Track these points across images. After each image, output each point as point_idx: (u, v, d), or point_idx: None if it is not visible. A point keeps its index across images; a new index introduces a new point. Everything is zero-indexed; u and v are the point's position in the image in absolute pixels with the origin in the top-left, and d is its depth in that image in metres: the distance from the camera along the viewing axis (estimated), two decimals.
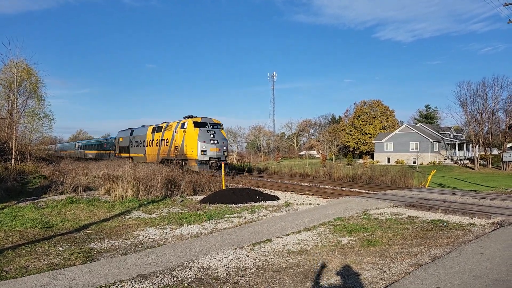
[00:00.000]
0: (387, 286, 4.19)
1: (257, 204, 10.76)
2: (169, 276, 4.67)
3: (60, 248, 6.21)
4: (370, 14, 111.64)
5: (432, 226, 7.50)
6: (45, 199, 11.63)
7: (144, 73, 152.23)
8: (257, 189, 13.45)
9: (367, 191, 13.67)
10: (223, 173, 13.47)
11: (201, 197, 11.74)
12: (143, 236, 7.09)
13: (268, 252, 5.82)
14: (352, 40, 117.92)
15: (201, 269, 4.98)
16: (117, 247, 6.34)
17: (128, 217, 8.99)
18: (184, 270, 4.91)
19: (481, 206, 9.99)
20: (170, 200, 11.45)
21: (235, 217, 8.84)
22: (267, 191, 13.14)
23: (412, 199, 11.43)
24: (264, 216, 8.93)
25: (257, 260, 5.38)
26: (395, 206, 10.01)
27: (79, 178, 14.76)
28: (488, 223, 7.74)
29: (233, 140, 51.78)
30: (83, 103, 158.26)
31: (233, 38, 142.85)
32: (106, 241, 6.75)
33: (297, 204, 10.64)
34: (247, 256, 5.60)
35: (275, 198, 11.67)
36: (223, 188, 12.96)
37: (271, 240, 6.53)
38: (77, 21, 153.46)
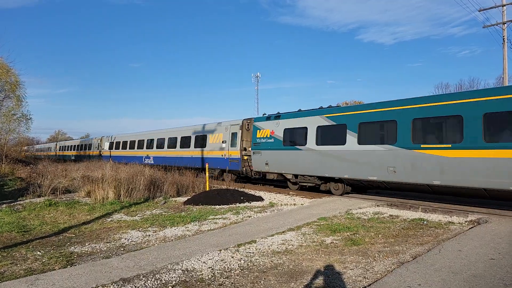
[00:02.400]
0: (370, 284, 4.26)
1: (242, 205, 10.73)
2: (153, 279, 4.59)
3: (38, 253, 6.02)
4: (353, 16, 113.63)
5: (413, 225, 7.68)
6: (22, 202, 11.24)
7: (127, 72, 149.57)
8: (242, 190, 13.41)
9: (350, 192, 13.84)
10: (206, 174, 13.38)
11: (185, 199, 11.62)
12: (125, 239, 6.95)
13: (253, 253, 5.82)
14: (336, 42, 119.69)
15: (186, 272, 4.92)
16: (98, 250, 6.20)
17: (109, 219, 8.80)
18: (168, 273, 4.84)
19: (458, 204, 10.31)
20: (153, 202, 11.28)
21: (219, 218, 8.79)
22: (252, 192, 13.14)
23: (393, 197, 11.67)
24: (249, 217, 8.92)
25: (242, 261, 5.36)
26: (377, 206, 10.19)
27: (58, 180, 14.35)
28: (465, 221, 7.99)
29: None
30: (62, 103, 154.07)
31: (218, 37, 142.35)
32: (86, 244, 6.58)
33: (281, 205, 10.68)
34: (232, 257, 5.57)
35: (260, 198, 11.68)
36: (207, 189, 12.87)
37: (256, 241, 6.53)
38: (55, 19, 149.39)
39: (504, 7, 20.80)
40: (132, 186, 11.66)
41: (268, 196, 12.59)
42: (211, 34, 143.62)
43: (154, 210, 9.98)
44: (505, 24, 20.74)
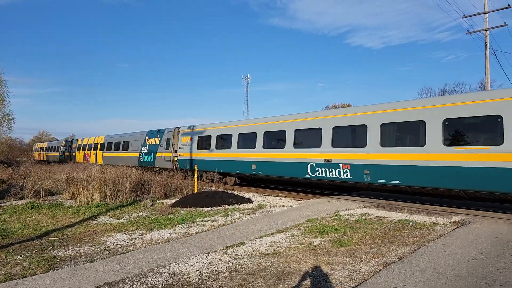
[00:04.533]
0: (357, 285, 4.29)
1: (231, 207, 10.68)
2: (139, 283, 4.51)
3: (19, 257, 5.85)
4: (343, 20, 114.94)
5: (399, 226, 7.78)
6: (2, 204, 10.93)
7: (115, 72, 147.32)
8: (231, 191, 13.37)
9: (338, 193, 13.94)
10: (195, 176, 13.27)
11: (173, 201, 11.49)
12: (111, 242, 6.82)
13: (241, 255, 5.79)
14: (325, 45, 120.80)
15: (172, 275, 4.85)
16: (82, 254, 6.06)
17: (94, 222, 8.63)
18: (154, 277, 4.77)
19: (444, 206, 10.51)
20: (139, 204, 11.12)
21: (207, 220, 8.73)
22: (241, 194, 13.10)
23: (379, 199, 11.81)
24: (238, 219, 8.88)
25: (230, 264, 5.33)
26: (365, 207, 10.29)
27: (41, 182, 14.02)
28: (450, 222, 8.14)
29: None
30: (47, 103, 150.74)
31: (208, 39, 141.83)
32: (70, 248, 6.43)
33: (270, 206, 10.68)
34: (220, 260, 5.54)
35: (249, 200, 11.65)
36: (196, 191, 12.77)
37: (244, 243, 6.50)
38: (39, 17, 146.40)
39: (487, 14, 21.39)
40: (119, 188, 11.47)
41: (258, 198, 12.57)
42: (201, 35, 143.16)
43: (141, 213, 9.84)
44: (488, 31, 21.31)
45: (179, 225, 8.17)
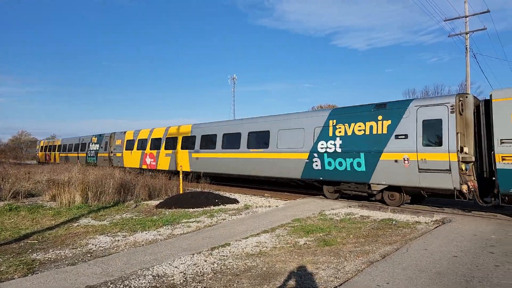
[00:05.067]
0: (341, 284, 4.33)
1: (216, 207, 10.63)
2: (121, 286, 4.43)
3: None
4: (329, 22, 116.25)
5: (382, 225, 7.90)
6: None
7: (100, 71, 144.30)
8: (216, 192, 13.30)
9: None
10: (180, 177, 13.15)
11: (157, 202, 11.35)
12: (93, 244, 6.68)
13: (226, 256, 5.76)
14: (312, 46, 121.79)
15: (156, 277, 4.79)
16: (63, 257, 5.91)
17: (76, 224, 8.43)
18: (137, 279, 4.70)
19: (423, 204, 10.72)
20: (123, 206, 10.93)
21: (193, 221, 8.65)
22: (227, 194, 13.05)
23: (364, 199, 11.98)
24: (223, 219, 8.84)
25: (215, 265, 5.30)
26: (349, 207, 10.42)
27: (20, 184, 13.61)
28: (431, 221, 8.32)
29: None
30: (26, 102, 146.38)
31: (195, 39, 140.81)
32: (50, 251, 6.26)
33: (256, 207, 10.67)
34: (205, 261, 5.50)
35: (235, 201, 11.62)
36: (181, 192, 12.64)
37: (230, 243, 6.47)
38: (20, 12, 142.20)
39: (467, 18, 22.01)
40: (101, 189, 11.24)
41: (244, 198, 12.55)
42: (189, 35, 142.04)
43: (124, 214, 9.67)
44: (468, 34, 21.94)
45: (164, 227, 8.07)
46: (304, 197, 12.67)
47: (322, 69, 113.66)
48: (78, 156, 29.66)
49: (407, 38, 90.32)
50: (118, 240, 6.97)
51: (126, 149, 22.76)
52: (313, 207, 10.26)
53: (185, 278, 4.74)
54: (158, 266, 5.23)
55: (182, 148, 18.01)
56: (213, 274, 4.91)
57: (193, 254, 5.81)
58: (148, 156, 20.58)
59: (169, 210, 10.23)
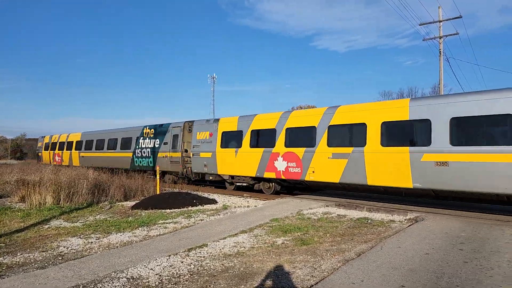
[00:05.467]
0: (317, 282, 4.37)
1: (194, 208, 10.51)
2: None
3: None
4: (309, 23, 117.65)
5: (358, 224, 8.06)
6: None
7: (73, 68, 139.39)
8: (194, 192, 13.16)
9: (301, 192, 14.21)
10: (157, 177, 12.92)
11: (133, 203, 11.10)
12: (64, 247, 6.45)
13: (204, 257, 5.70)
14: (292, 47, 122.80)
15: (131, 280, 4.67)
16: (32, 260, 5.67)
17: (46, 226, 8.11)
18: (111, 282, 4.57)
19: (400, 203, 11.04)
20: (97, 207, 10.62)
21: (170, 222, 8.52)
22: (205, 195, 12.93)
23: (341, 198, 12.19)
24: (201, 220, 8.75)
25: (192, 266, 5.23)
26: (326, 206, 10.56)
27: None
28: (405, 219, 8.57)
29: None
30: None
31: (174, 36, 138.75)
32: (18, 254, 5.99)
33: (235, 207, 10.64)
34: (182, 262, 5.42)
35: (213, 201, 11.53)
36: (158, 192, 12.43)
37: (207, 244, 6.42)
38: None
39: (441, 23, 22.81)
40: (74, 190, 10.88)
41: (222, 198, 12.48)
42: (167, 33, 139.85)
43: (98, 216, 9.40)
44: (441, 39, 22.74)
45: (139, 228, 7.90)
46: (283, 197, 12.74)
47: (303, 70, 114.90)
48: (115, 157, 21.04)
49: (384, 41, 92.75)
50: (91, 242, 6.76)
51: (221, 147, 14.70)
52: (291, 207, 10.34)
53: (160, 280, 4.66)
54: (133, 268, 5.10)
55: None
56: (189, 275, 4.84)
57: (170, 256, 5.72)
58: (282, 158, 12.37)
59: (145, 211, 10.03)
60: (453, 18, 22.50)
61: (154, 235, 7.23)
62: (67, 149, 26.02)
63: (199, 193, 13.19)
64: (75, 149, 25.07)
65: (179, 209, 10.27)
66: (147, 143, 18.70)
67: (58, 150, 27.18)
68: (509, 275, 4.60)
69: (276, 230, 7.41)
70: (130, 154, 19.82)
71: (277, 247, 6.22)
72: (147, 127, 18.99)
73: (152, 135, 18.57)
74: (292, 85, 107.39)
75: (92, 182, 11.68)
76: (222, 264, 5.30)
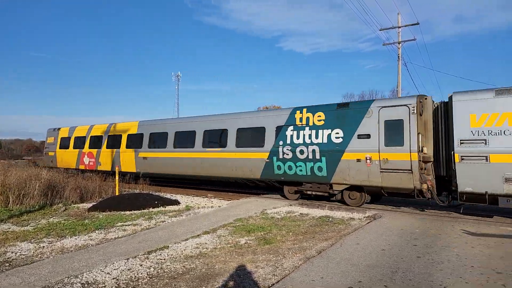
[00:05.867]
0: (278, 281, 4.41)
1: (156, 209, 10.21)
2: None
3: None
4: (275, 25, 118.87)
5: (320, 222, 8.25)
6: None
7: (28, 62, 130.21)
8: (156, 193, 12.81)
9: (265, 192, 14.30)
10: (116, 178, 12.41)
11: (90, 205, 10.57)
12: (12, 252, 6.00)
13: (164, 259, 5.55)
14: (259, 47, 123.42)
15: (86, 285, 4.44)
16: None
17: None
18: None
19: None
20: (50, 209, 9.99)
21: (129, 224, 8.21)
22: (168, 196, 12.62)
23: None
24: (163, 221, 8.52)
25: (152, 269, 5.07)
26: (290, 205, 10.71)
27: None
28: (364, 217, 8.89)
29: None
30: None
31: (137, 33, 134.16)
32: None
33: (198, 208, 10.47)
34: (141, 265, 5.24)
35: (176, 202, 11.28)
36: (117, 194, 11.94)
37: (168, 246, 6.25)
38: None
39: (400, 28, 23.97)
40: (25, 192, 10.17)
41: (185, 199, 12.25)
42: (130, 29, 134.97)
43: (52, 218, 8.85)
44: (400, 44, 23.91)
45: (96, 231, 7.54)
46: (248, 197, 12.75)
47: (270, 70, 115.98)
48: (227, 160, 13.24)
49: (347, 45, 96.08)
50: (43, 246, 6.34)
51: None
52: (255, 207, 10.37)
53: (118, 285, 4.47)
54: (88, 273, 4.85)
55: None
56: (148, 278, 4.69)
57: (128, 259, 5.51)
58: None
59: (103, 213, 9.59)
60: (411, 25, 23.74)
61: (112, 238, 6.93)
62: (109, 147, 17.89)
63: (162, 194, 12.86)
64: (127, 147, 16.99)
65: (140, 211, 9.94)
66: (309, 136, 11.35)
67: (91, 148, 18.93)
68: (457, 268, 4.92)
69: (240, 230, 7.39)
70: (264, 155, 12.19)
71: (240, 247, 6.20)
72: (305, 109, 11.68)
73: (321, 122, 11.18)
74: (259, 85, 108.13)
75: (45, 183, 10.99)
76: (184, 266, 5.18)
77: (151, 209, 10.17)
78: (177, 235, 7.09)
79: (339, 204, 10.96)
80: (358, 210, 9.74)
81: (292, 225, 7.92)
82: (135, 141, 16.71)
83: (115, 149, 17.44)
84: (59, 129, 21.11)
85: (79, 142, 19.59)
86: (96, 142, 18.69)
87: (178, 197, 12.54)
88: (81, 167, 18.87)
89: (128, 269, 5.04)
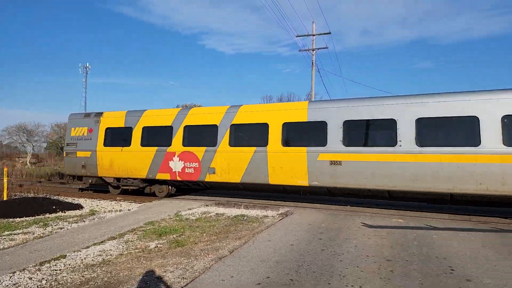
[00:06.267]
0: (188, 283, 4.27)
1: (53, 215, 9.08)
2: None
3: None
4: (197, 21, 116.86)
5: (235, 221, 8.30)
6: None
7: None
8: (55, 197, 11.44)
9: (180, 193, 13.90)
10: (5, 180, 10.72)
11: None
12: None
13: (60, 270, 4.94)
14: (179, 43, 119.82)
15: None
16: None
17: None
18: None
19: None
20: None
21: (19, 233, 7.14)
22: (69, 199, 11.36)
23: (221, 197, 12.41)
24: (61, 228, 7.61)
25: (44, 282, 4.47)
26: (206, 205, 10.58)
27: None
28: (277, 214, 9.24)
29: (27, 139, 42.41)
30: None
31: (38, 20, 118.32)
32: None
33: (104, 212, 9.63)
34: (30, 279, 4.58)
35: (78, 206, 10.20)
36: (5, 198, 10.32)
37: (66, 255, 5.60)
38: None
39: (314, 36, 25.71)
40: None
41: (90, 203, 11.18)
42: (38, 15, 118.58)
43: None
44: (314, 51, 25.64)
45: None
46: (161, 199, 12.22)
47: (189, 68, 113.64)
48: None
49: (267, 47, 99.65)
50: None
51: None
52: (169, 209, 9.98)
53: None
54: None
55: None
56: None
57: (14, 272, 4.78)
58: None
59: None
60: (324, 34, 25.68)
61: None
62: (234, 144, 11.21)
63: (61, 198, 11.53)
64: (286, 144, 10.52)
65: (33, 217, 8.72)
66: None
67: (189, 145, 11.84)
68: (355, 258, 5.40)
69: (150, 234, 7.01)
70: None
71: (149, 251, 5.86)
72: None
73: None
74: (177, 82, 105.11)
75: None
76: (82, 276, 4.68)
77: (47, 215, 9.01)
78: (77, 242, 6.40)
79: (255, 203, 11.21)
80: (272, 208, 10.10)
81: (207, 225, 7.81)
82: (304, 134, 10.61)
83: (249, 148, 10.86)
84: (100, 114, 13.32)
85: (158, 135, 12.36)
86: (200, 135, 11.78)
87: (81, 200, 11.39)
88: (163, 176, 11.99)
89: (14, 284, 4.36)
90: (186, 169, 11.54)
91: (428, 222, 8.27)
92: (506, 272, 4.73)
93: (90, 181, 13.38)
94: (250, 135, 11.05)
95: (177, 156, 11.67)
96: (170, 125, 12.02)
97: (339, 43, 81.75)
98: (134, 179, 12.57)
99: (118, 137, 12.71)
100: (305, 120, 10.25)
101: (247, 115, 11.10)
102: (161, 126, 12.16)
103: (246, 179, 10.81)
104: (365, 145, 9.55)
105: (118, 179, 12.86)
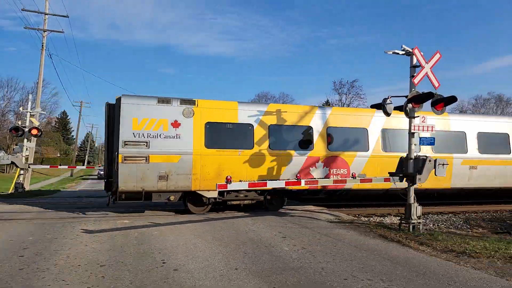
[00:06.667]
0: None
1: None
2: None
3: None
4: None
5: None
6: None
7: None
8: None
9: None
10: None
11: None
12: None
13: None
14: None
15: None
16: None
17: None
18: None
19: None
20: None
21: None
22: None
23: None
24: None
25: None
26: None
27: None
28: None
29: None
30: None
31: None
32: None
33: None
34: None
35: None
36: None
37: None
38: None
39: (46, 16, 21.70)
40: None
41: None
42: None
43: None
44: (46, 32, 21.63)
45: None
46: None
47: None
48: None
49: None
50: None
51: None
52: None
53: None
54: None
55: None
56: None
57: None
58: None
59: None
60: (60, 15, 22.32)
61: None
62: None
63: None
64: None
65: None
66: None
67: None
68: (63, 271, 4.65)
69: None
70: None
71: None
72: None
73: None
74: None
75: None
76: None
77: None
78: None
79: None
80: None
81: None
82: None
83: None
84: (190, 101, 9.66)
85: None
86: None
87: None
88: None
89: None
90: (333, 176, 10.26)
91: (152, 219, 8.60)
92: (211, 255, 5.48)
93: (171, 197, 9.26)
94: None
95: (321, 162, 10.28)
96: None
97: (82, 31, 74.13)
98: (256, 190, 9.69)
99: (229, 135, 9.81)
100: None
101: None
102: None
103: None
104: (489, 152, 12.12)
105: (222, 193, 9.51)
